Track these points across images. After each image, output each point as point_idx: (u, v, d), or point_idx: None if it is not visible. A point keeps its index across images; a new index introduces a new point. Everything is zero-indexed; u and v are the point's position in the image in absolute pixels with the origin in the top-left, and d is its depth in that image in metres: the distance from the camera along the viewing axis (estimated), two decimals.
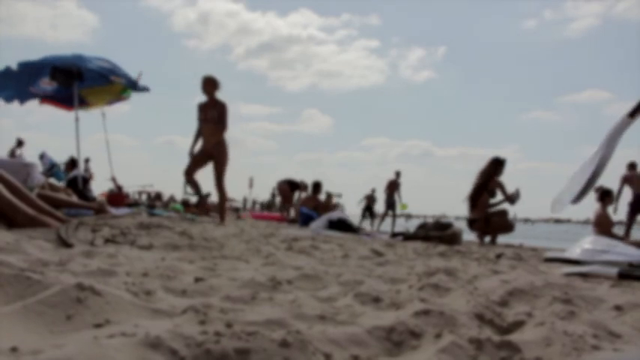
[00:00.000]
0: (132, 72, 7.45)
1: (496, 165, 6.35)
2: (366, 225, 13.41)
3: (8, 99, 7.14)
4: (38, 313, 0.88)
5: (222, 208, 6.28)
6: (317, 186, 9.29)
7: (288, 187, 12.61)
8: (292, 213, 11.99)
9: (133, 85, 7.34)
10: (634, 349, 0.97)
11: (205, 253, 2.35)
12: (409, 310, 1.15)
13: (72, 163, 8.00)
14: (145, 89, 7.49)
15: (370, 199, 15.81)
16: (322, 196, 9.66)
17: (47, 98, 7.65)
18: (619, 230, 9.27)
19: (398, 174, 14.25)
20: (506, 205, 6.39)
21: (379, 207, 15.40)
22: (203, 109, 5.97)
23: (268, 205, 24.51)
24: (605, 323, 1.13)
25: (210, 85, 5.97)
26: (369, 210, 15.73)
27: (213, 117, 5.90)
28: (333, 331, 0.96)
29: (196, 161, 6.01)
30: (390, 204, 14.22)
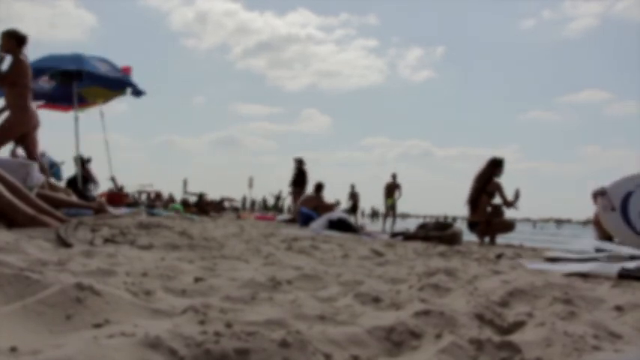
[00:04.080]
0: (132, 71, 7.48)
1: (494, 166, 6.23)
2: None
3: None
4: (38, 313, 0.87)
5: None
6: (319, 186, 9.34)
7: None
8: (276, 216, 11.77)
9: (135, 91, 7.37)
10: (634, 349, 0.97)
11: (205, 253, 2.35)
12: (409, 311, 1.15)
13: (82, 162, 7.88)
14: (141, 93, 7.50)
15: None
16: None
17: (44, 102, 7.66)
18: None
19: (394, 176, 14.46)
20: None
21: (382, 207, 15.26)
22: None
23: (272, 207, 24.13)
24: (605, 323, 1.13)
25: (7, 39, 4.63)
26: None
27: (11, 79, 4.66)
28: (333, 331, 0.95)
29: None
30: (390, 205, 14.43)
